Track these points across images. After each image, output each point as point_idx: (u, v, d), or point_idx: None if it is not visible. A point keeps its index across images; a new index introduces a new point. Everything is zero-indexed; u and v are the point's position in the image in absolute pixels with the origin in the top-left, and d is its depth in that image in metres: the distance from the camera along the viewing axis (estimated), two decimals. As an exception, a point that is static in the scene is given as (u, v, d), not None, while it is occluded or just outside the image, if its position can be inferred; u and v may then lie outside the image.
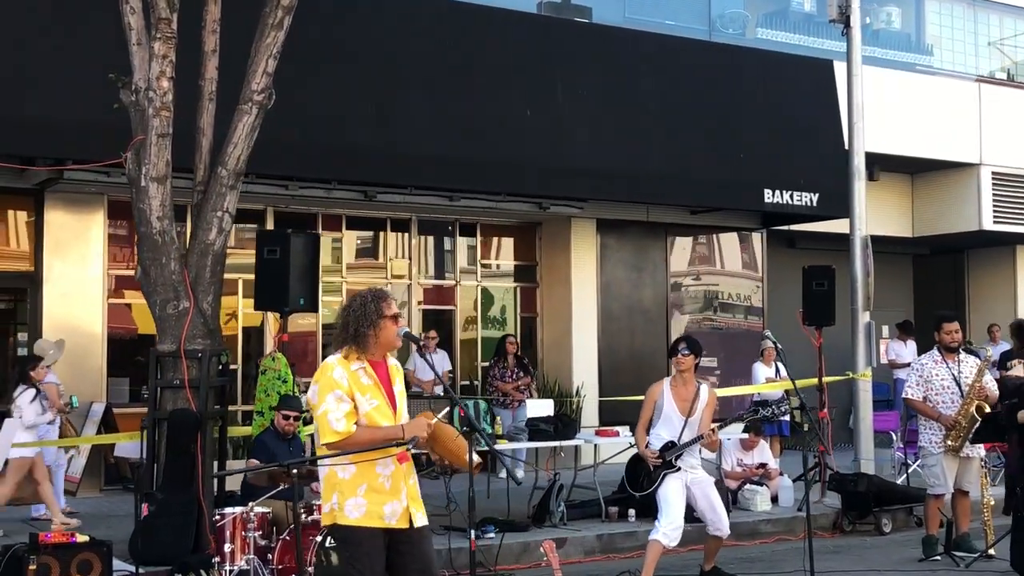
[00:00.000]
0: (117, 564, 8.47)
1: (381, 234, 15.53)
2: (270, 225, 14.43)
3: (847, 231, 18.68)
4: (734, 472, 12.65)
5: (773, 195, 15.61)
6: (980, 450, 9.60)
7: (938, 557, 9.52)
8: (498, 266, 16.52)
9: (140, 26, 9.05)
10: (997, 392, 9.21)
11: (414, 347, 14.42)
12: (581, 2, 16.78)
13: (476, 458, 5.61)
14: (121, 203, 12.04)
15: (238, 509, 7.83)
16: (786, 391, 14.42)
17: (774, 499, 12.39)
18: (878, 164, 18.51)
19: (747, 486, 12.25)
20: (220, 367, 9.53)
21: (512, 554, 10.16)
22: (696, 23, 16.07)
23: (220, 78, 9.66)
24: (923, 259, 21.54)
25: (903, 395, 9.74)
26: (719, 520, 8.50)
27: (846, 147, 16.83)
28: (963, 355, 9.54)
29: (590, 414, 15.60)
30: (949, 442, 9.33)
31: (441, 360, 14.44)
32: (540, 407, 11.21)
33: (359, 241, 15.57)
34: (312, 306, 9.69)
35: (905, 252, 21.00)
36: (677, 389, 8.50)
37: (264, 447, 8.55)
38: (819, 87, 16.04)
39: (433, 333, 14.50)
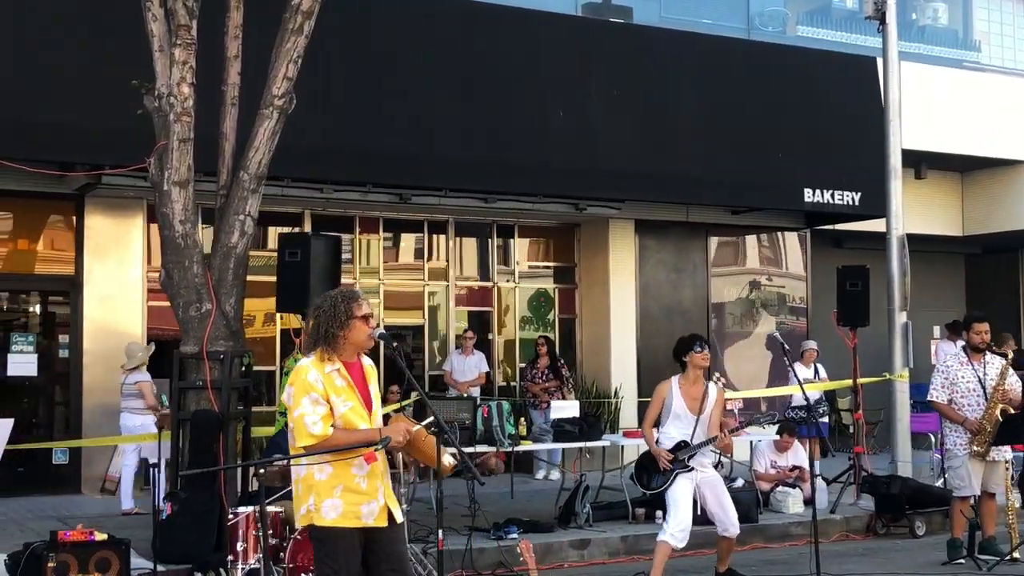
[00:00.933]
0: (137, 562, 8.62)
1: (418, 236, 15.63)
2: (308, 228, 14.59)
3: (905, 230, 18.57)
4: (767, 474, 12.56)
5: (814, 194, 15.45)
6: (1006, 453, 9.45)
7: (962, 561, 9.39)
8: (537, 267, 16.54)
9: (162, 33, 9.18)
10: (1021, 394, 9.06)
11: (453, 348, 14.52)
12: (622, 2, 16.78)
13: (450, 460, 5.63)
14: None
15: (250, 508, 7.92)
16: (823, 394, 14.34)
17: (808, 501, 12.28)
18: (925, 162, 18.28)
19: (779, 488, 12.15)
20: (243, 368, 9.64)
21: (537, 554, 10.11)
22: (734, 21, 15.94)
23: (244, 83, 9.78)
24: (975, 258, 21.19)
25: (928, 397, 9.60)
26: (728, 520, 8.45)
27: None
28: (988, 356, 9.40)
29: (629, 415, 15.55)
30: (975, 447, 9.20)
31: (478, 361, 14.50)
32: (566, 408, 11.21)
33: (396, 243, 15.67)
34: (334, 308, 9.72)
35: (956, 252, 20.69)
36: (686, 387, 8.47)
37: (278, 447, 8.65)
38: (861, 84, 15.83)
39: (471, 333, 14.57)
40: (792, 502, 11.95)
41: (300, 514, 5.40)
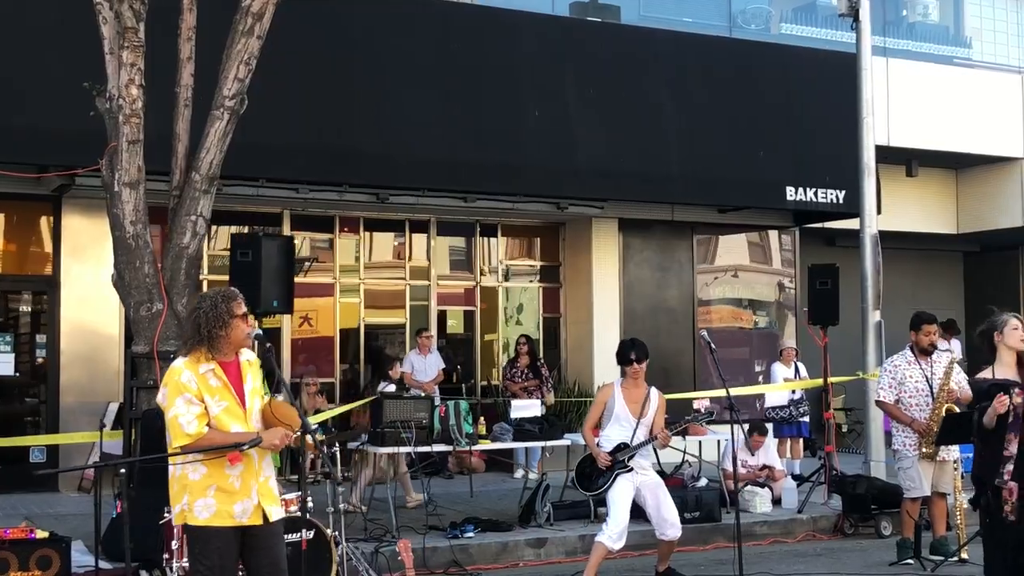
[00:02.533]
0: (83, 559, 8.70)
1: (400, 235, 15.67)
2: (287, 228, 14.68)
3: (897, 228, 18.48)
4: (738, 473, 12.50)
5: (796, 193, 15.43)
6: (955, 452, 9.38)
7: (910, 561, 9.34)
8: (521, 267, 16.55)
9: (112, 35, 9.24)
10: (969, 392, 8.98)
11: (414, 348, 14.53)
12: (610, 1, 16.73)
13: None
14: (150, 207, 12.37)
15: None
16: (805, 393, 14.28)
17: (777, 501, 12.25)
18: (916, 160, 18.17)
19: (747, 487, 12.11)
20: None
21: (491, 554, 10.18)
22: (716, 19, 15.88)
23: (199, 84, 9.83)
24: (974, 256, 21.03)
25: (875, 398, 9.55)
26: (665, 523, 8.45)
27: (881, 142, 16.64)
28: (936, 355, 9.33)
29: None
30: (924, 448, 9.14)
31: (436, 360, 14.51)
32: (527, 408, 11.22)
33: (378, 243, 15.73)
34: (287, 308, 9.80)
35: (953, 249, 20.54)
36: (628, 391, 8.49)
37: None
38: (845, 81, 15.69)
39: (429, 332, 14.58)
40: (759, 501, 11.91)
41: (175, 512, 5.46)
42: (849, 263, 19.06)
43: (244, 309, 5.56)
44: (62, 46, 11.54)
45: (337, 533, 8.35)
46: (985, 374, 7.15)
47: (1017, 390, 6.81)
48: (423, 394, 13.08)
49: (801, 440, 14.64)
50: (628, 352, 8.46)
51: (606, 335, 15.98)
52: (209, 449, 5.29)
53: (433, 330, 15.36)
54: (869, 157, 12.95)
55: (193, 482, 5.36)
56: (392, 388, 12.67)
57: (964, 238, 19.64)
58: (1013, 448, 6.69)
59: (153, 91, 9.94)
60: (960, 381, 9.17)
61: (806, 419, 14.42)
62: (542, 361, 14.71)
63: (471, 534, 10.27)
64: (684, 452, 12.18)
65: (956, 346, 18.38)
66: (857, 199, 15.52)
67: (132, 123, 9.22)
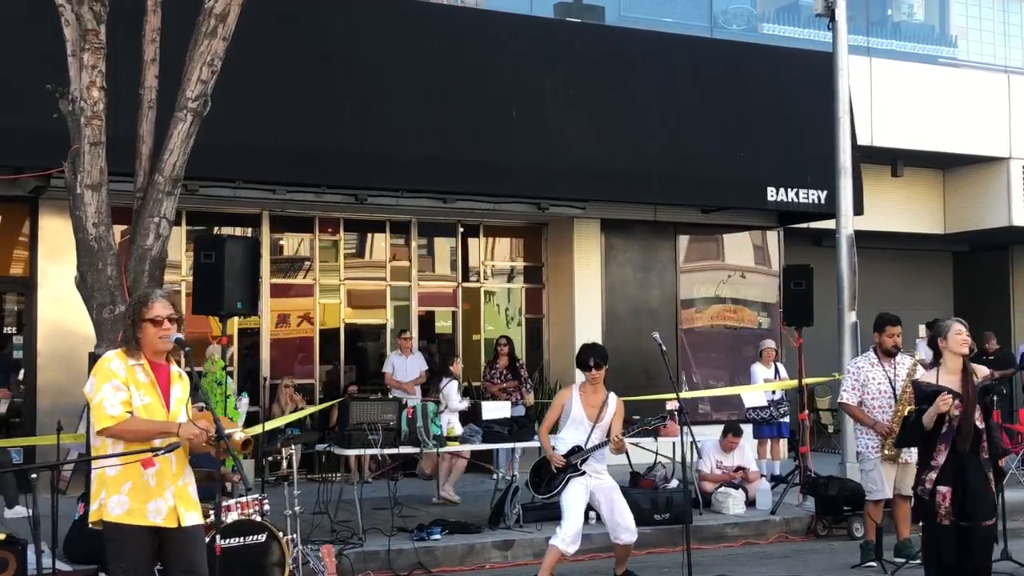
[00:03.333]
0: (44, 561, 8.68)
1: (381, 236, 15.66)
2: (266, 228, 14.68)
3: (884, 228, 18.44)
4: (712, 475, 12.50)
5: (778, 193, 15.39)
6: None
7: (872, 563, 9.30)
8: (503, 267, 16.54)
9: (75, 37, 9.22)
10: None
11: (395, 349, 14.50)
12: (594, 2, 16.70)
13: (240, 435, 5.60)
14: (116, 209, 12.35)
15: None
16: (785, 393, 14.23)
17: (752, 502, 12.22)
18: (902, 160, 18.11)
19: (720, 489, 12.08)
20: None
21: (457, 556, 10.17)
22: (697, 20, 15.84)
23: (164, 86, 9.83)
24: (963, 256, 20.98)
25: (839, 399, 9.52)
26: (619, 527, 8.43)
27: (864, 142, 16.63)
28: (900, 357, 9.30)
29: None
30: (886, 451, 9.11)
31: (417, 362, 14.49)
32: (497, 409, 11.20)
33: (358, 243, 15.72)
34: (251, 309, 9.80)
35: (942, 249, 20.49)
36: (587, 395, 8.48)
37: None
38: (827, 82, 15.64)
39: (408, 334, 14.57)
40: (732, 503, 11.88)
41: (92, 509, 5.46)
42: (832, 263, 19.08)
43: (158, 313, 5.53)
44: (37, 46, 11.52)
45: (294, 536, 8.36)
46: (929, 378, 7.15)
47: (957, 402, 6.81)
48: (399, 395, 13.06)
49: (781, 441, 14.58)
50: (588, 358, 8.45)
51: (588, 336, 15.85)
52: (128, 452, 5.28)
53: (414, 331, 15.35)
54: (846, 157, 12.91)
55: (109, 478, 5.37)
56: (454, 384, 12.95)
57: (952, 238, 19.58)
58: (941, 459, 6.71)
59: (118, 93, 9.98)
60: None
61: (786, 419, 14.37)
62: (521, 362, 14.69)
63: (438, 536, 10.26)
64: (656, 453, 12.14)
65: (872, 347, 18.30)
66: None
67: (94, 125, 9.21)
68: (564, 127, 14.24)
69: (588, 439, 8.34)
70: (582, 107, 14.33)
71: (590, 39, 14.88)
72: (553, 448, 8.45)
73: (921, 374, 7.60)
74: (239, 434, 5.58)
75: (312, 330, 14.98)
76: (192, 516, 5.49)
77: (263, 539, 7.67)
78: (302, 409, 13.20)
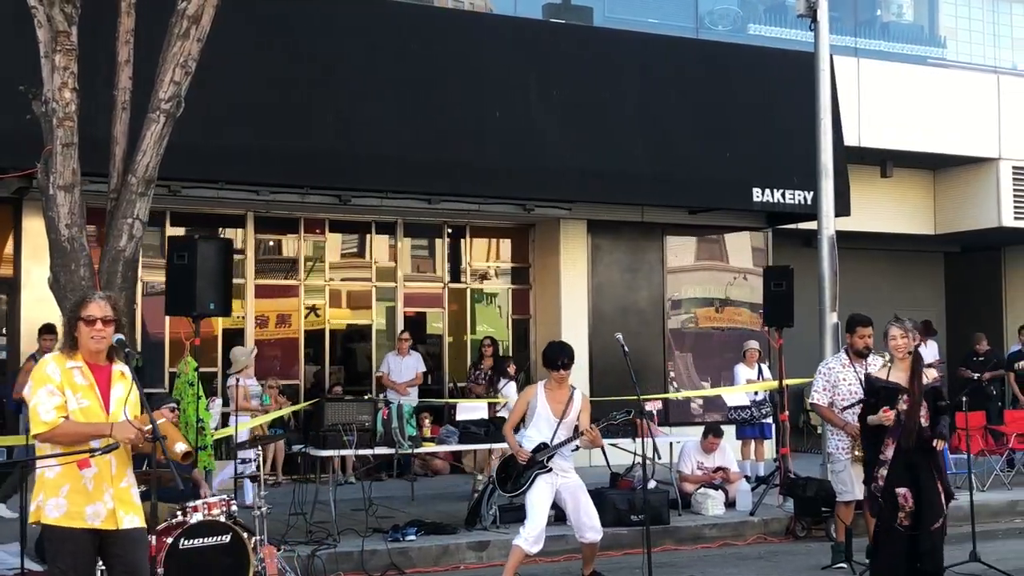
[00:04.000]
0: (12, 561, 8.70)
1: (366, 237, 15.68)
2: (250, 229, 14.71)
3: (873, 228, 18.43)
4: (693, 475, 12.49)
5: (763, 194, 15.36)
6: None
7: (843, 565, 9.29)
8: (490, 268, 16.54)
9: (47, 39, 9.26)
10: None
11: (394, 349, 14.51)
12: (583, 2, 16.72)
13: (182, 447, 5.60)
14: (94, 210, 12.40)
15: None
16: (767, 394, 14.22)
17: (732, 503, 12.21)
18: (892, 160, 18.09)
19: (700, 490, 12.08)
20: (136, 369, 9.69)
21: (431, 556, 10.17)
22: (682, 20, 15.84)
23: (138, 88, 9.85)
24: (955, 257, 20.95)
25: (810, 400, 9.50)
26: (584, 526, 8.44)
27: (852, 143, 16.61)
28: (872, 358, 9.28)
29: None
30: (856, 452, 9.08)
31: (415, 362, 14.53)
32: (472, 410, 11.21)
33: (344, 244, 15.74)
34: (224, 311, 9.81)
35: (934, 250, 20.47)
36: (552, 392, 8.48)
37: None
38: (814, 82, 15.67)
39: (406, 335, 14.59)
40: (712, 504, 11.86)
41: (31, 510, 5.48)
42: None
43: (92, 313, 5.55)
44: (20, 46, 11.53)
45: (262, 537, 8.37)
46: (880, 373, 7.17)
47: (904, 397, 6.83)
48: (392, 396, 13.08)
49: (765, 442, 14.57)
50: (557, 358, 8.44)
51: (574, 337, 15.86)
52: (66, 453, 5.29)
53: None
54: (827, 158, 12.88)
55: (48, 480, 5.40)
56: (512, 385, 13.22)
57: (942, 239, 19.55)
58: (889, 453, 6.72)
59: (94, 94, 10.01)
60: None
61: (769, 420, 14.36)
62: (507, 364, 14.68)
63: (412, 537, 10.26)
64: (635, 454, 12.13)
65: (933, 347, 18.30)
66: (835, 201, 15.61)
67: (66, 126, 9.23)
68: (549, 128, 14.22)
69: (554, 436, 8.34)
70: (567, 108, 14.32)
71: (575, 40, 14.87)
72: (520, 445, 8.44)
73: (874, 370, 7.61)
74: (180, 446, 5.58)
75: (297, 331, 14.99)
76: (131, 518, 5.49)
77: (227, 540, 7.67)
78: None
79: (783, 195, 15.41)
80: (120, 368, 5.68)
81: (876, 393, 6.99)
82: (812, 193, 15.37)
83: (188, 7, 9.58)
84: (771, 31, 15.65)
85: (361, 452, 10.38)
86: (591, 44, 14.87)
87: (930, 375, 7.16)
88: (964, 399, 10.51)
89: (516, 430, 8.71)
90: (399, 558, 9.91)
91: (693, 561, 10.26)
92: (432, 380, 15.70)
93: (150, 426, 5.43)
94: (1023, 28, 18.26)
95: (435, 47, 13.76)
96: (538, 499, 8.29)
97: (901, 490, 6.72)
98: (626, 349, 8.67)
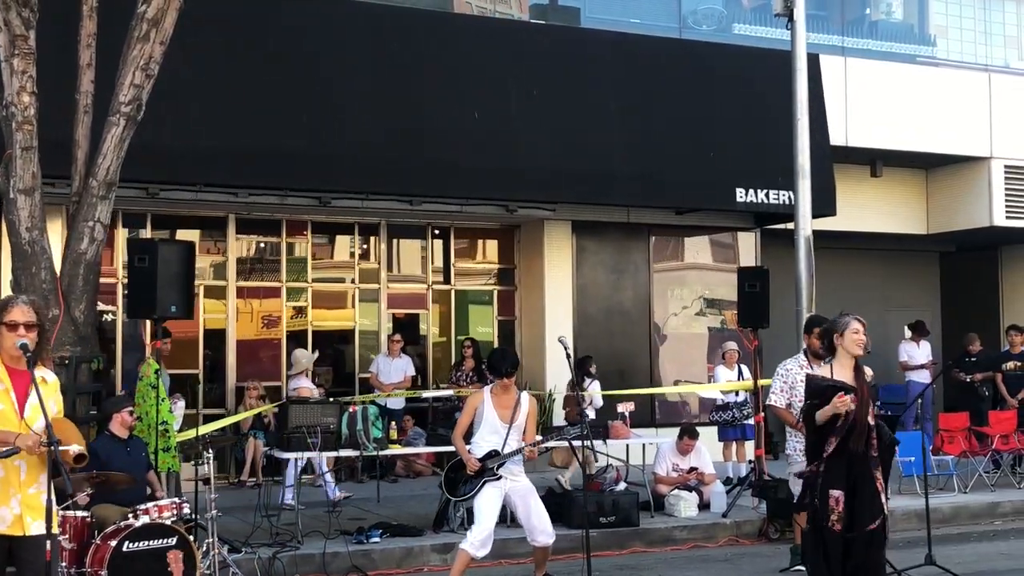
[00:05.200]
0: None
1: (349, 238, 15.68)
2: (232, 231, 14.73)
3: (864, 228, 18.33)
4: (668, 477, 12.46)
5: (747, 194, 15.30)
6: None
7: (800, 567, 9.20)
8: (476, 269, 16.53)
9: (5, 43, 9.30)
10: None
11: (383, 349, 14.48)
12: (570, 3, 16.68)
13: (75, 448, 5.60)
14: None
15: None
16: (749, 395, 14.15)
17: (708, 505, 12.16)
18: (881, 159, 17.98)
19: (673, 491, 12.03)
20: (97, 372, 9.76)
21: (395, 559, 10.18)
22: (665, 21, 15.77)
23: (103, 91, 9.89)
24: (950, 256, 20.80)
25: (767, 401, 9.45)
26: (536, 530, 8.41)
27: (839, 142, 16.52)
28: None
29: (562, 417, 15.47)
30: (814, 452, 9.03)
31: (404, 364, 14.54)
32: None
33: (326, 245, 15.74)
34: (186, 313, 9.82)
35: (928, 250, 20.32)
36: (499, 397, 8.45)
37: (91, 452, 8.69)
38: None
39: (397, 337, 14.59)
40: (684, 506, 11.82)
41: None
42: (818, 264, 18.93)
43: (14, 318, 5.55)
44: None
45: (215, 539, 8.39)
46: (824, 372, 7.12)
47: (852, 396, 6.77)
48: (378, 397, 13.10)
49: (746, 443, 14.48)
50: (500, 366, 8.42)
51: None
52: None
53: (386, 333, 15.38)
54: (804, 159, 12.80)
55: None
56: (596, 384, 13.87)
57: (936, 238, 19.41)
58: (830, 448, 6.67)
59: (56, 98, 10.04)
60: None
61: (751, 421, 14.27)
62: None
63: (377, 539, 10.27)
64: (607, 456, 12.12)
65: (926, 348, 18.21)
66: (814, 199, 15.51)
67: (25, 130, 9.29)
68: (530, 129, 14.20)
69: (505, 442, 8.31)
70: (548, 109, 14.29)
71: (557, 40, 14.84)
72: (469, 451, 8.42)
73: (817, 370, 7.55)
74: (75, 447, 5.58)
75: (279, 332, 15.01)
76: (39, 525, 5.48)
77: (172, 543, 7.69)
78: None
79: (767, 195, 15.35)
80: (42, 374, 5.67)
81: (821, 393, 6.93)
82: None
83: (147, 10, 9.62)
84: (756, 31, 15.55)
85: (326, 454, 10.36)
86: (574, 44, 14.84)
87: (867, 373, 7.10)
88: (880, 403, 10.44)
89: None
90: (362, 560, 9.92)
91: (656, 563, 10.23)
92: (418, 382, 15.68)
93: (40, 427, 5.42)
94: (1015, 26, 18.10)
95: (415, 47, 13.76)
96: (486, 504, 8.27)
97: (835, 493, 6.67)
98: (569, 352, 8.65)
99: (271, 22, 13.11)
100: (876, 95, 16.92)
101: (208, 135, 12.48)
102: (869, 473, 6.76)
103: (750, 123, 15.37)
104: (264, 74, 12.83)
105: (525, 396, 8.50)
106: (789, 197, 15.36)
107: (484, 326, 16.38)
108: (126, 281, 12.31)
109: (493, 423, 8.35)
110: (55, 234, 10.20)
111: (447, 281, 16.13)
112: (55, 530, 5.50)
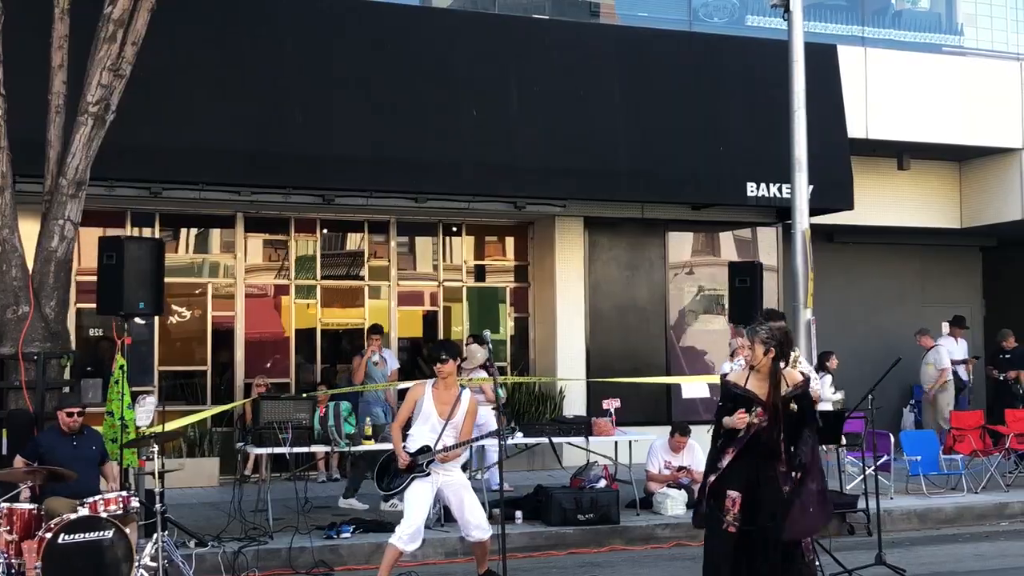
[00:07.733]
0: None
1: (358, 236, 15.74)
2: (240, 230, 14.88)
3: (888, 223, 17.93)
4: (660, 474, 12.31)
5: (758, 188, 15.07)
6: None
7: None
8: (488, 266, 16.49)
9: (-24, 46, 9.53)
10: (818, 391, 8.73)
11: (369, 348, 14.51)
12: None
13: None
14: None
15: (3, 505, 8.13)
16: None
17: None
18: (908, 152, 17.55)
19: (660, 489, 11.89)
20: (67, 368, 9.93)
21: (363, 554, 10.18)
22: (675, 13, 15.58)
23: (74, 92, 10.06)
24: (993, 251, 20.23)
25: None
26: (469, 525, 8.37)
27: (859, 135, 16.17)
28: (736, 361, 9.04)
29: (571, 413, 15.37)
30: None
31: (389, 358, 14.50)
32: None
33: (335, 243, 15.81)
34: (155, 310, 9.95)
35: (967, 244, 19.79)
36: (439, 392, 8.41)
37: (34, 445, 8.85)
38: (817, 73, 15.28)
39: (376, 336, 14.57)
40: (671, 504, 11.67)
41: None
42: (847, 260, 18.55)
43: None
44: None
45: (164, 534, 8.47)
46: (738, 379, 6.97)
47: (759, 410, 6.62)
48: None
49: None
50: (436, 352, 8.40)
51: (570, 335, 15.85)
52: None
53: (395, 331, 15.44)
54: (801, 151, 12.61)
55: None
56: (828, 378, 13.53)
57: (976, 232, 18.88)
58: (726, 461, 6.53)
59: (36, 97, 10.24)
60: (814, 385, 8.84)
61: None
62: (491, 360, 14.55)
63: (347, 534, 10.29)
64: (588, 452, 12.02)
65: (963, 344, 17.77)
66: (831, 193, 15.24)
67: (-7, 131, 9.49)
68: (535, 124, 14.14)
69: (439, 438, 8.28)
70: (553, 104, 14.21)
71: (564, 35, 14.75)
72: (404, 446, 8.39)
73: (733, 374, 7.39)
74: None
75: (288, 330, 15.13)
76: None
77: (108, 535, 7.79)
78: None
79: (779, 189, 15.09)
80: None
81: (733, 399, 6.80)
82: (811, 187, 15.03)
83: (114, 11, 9.77)
84: (771, 22, 15.25)
85: (296, 450, 10.43)
86: (581, 39, 14.73)
87: (792, 379, 6.89)
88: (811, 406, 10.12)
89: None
90: (330, 556, 9.96)
91: (624, 561, 10.13)
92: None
93: None
94: (1047, 12, 17.55)
95: (421, 45, 13.77)
96: (415, 498, 8.25)
97: (733, 493, 6.52)
98: (490, 347, 8.58)
99: (273, 19, 13.22)
100: (900, 86, 16.52)
101: (207, 133, 12.62)
102: (776, 478, 6.58)
103: (762, 116, 15.09)
104: (265, 72, 12.94)
105: (466, 394, 8.45)
106: (807, 191, 15.13)
107: (498, 323, 16.32)
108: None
109: (430, 418, 8.32)
110: (33, 233, 10.36)
111: (457, 279, 16.11)
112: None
